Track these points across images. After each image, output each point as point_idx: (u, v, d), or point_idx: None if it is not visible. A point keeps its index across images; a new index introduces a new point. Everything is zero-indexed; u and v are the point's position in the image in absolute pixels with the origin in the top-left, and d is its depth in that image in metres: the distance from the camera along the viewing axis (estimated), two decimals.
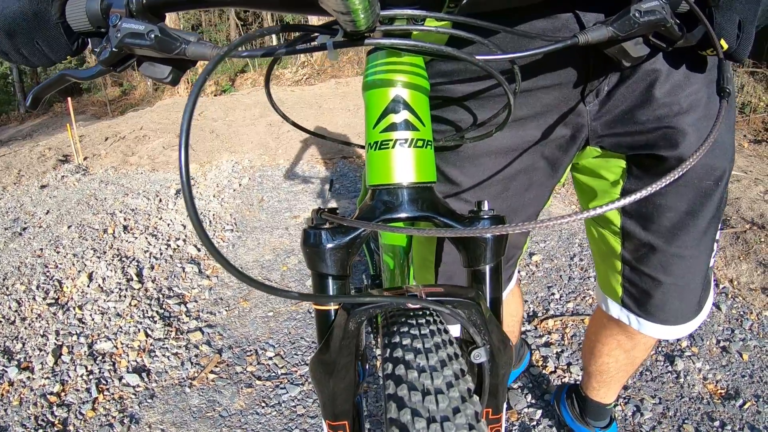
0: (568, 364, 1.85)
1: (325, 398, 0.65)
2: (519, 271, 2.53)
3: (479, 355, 0.60)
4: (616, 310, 1.08)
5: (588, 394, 1.44)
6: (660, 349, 1.92)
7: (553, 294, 2.31)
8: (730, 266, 2.48)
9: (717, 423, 1.58)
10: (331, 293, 0.63)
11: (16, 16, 0.56)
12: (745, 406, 1.64)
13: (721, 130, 0.85)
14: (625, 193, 0.92)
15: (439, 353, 0.58)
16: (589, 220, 1.07)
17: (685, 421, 1.60)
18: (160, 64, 0.60)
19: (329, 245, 0.61)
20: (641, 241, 0.94)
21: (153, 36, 0.53)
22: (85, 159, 4.99)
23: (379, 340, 0.76)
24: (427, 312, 0.64)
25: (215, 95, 8.67)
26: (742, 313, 2.12)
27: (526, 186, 0.95)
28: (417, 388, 0.54)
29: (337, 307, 0.63)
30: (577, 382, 1.54)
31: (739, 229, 2.75)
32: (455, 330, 0.69)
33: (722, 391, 1.72)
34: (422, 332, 0.61)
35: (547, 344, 1.97)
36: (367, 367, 0.69)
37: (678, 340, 1.95)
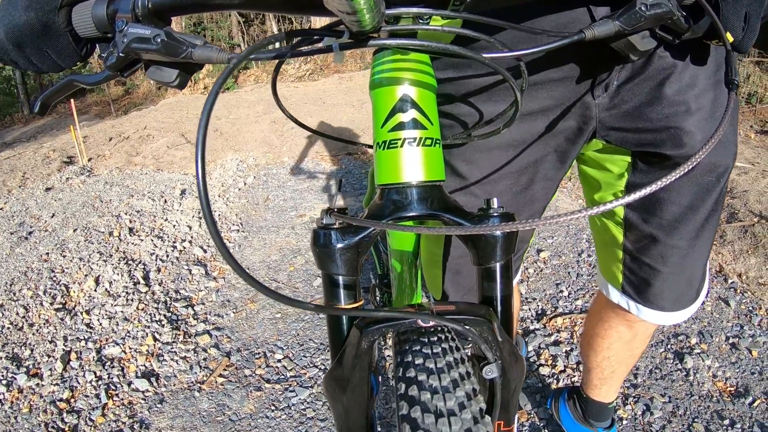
0: (578, 363, 1.84)
1: (338, 413, 0.65)
2: (526, 269, 2.52)
3: (491, 371, 0.61)
4: (616, 295, 1.10)
5: (589, 394, 1.43)
6: (669, 346, 1.91)
7: (561, 291, 2.30)
8: (738, 260, 2.46)
9: (727, 421, 1.58)
10: (341, 293, 0.63)
11: (23, 27, 0.56)
12: (755, 404, 1.64)
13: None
14: (629, 186, 0.93)
15: (451, 373, 0.58)
16: None
17: (695, 420, 1.59)
18: (167, 68, 0.60)
19: (339, 245, 0.61)
20: (643, 233, 0.96)
21: (159, 40, 0.54)
22: (89, 160, 5.00)
23: (391, 351, 0.77)
24: (439, 329, 0.64)
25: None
26: (751, 308, 2.10)
27: (535, 178, 0.95)
28: (430, 410, 0.54)
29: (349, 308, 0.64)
30: (576, 384, 1.54)
31: (747, 223, 2.73)
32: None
33: (732, 388, 1.72)
34: (434, 351, 0.61)
35: (556, 343, 1.96)
36: (380, 380, 0.70)
37: (687, 337, 1.95)
